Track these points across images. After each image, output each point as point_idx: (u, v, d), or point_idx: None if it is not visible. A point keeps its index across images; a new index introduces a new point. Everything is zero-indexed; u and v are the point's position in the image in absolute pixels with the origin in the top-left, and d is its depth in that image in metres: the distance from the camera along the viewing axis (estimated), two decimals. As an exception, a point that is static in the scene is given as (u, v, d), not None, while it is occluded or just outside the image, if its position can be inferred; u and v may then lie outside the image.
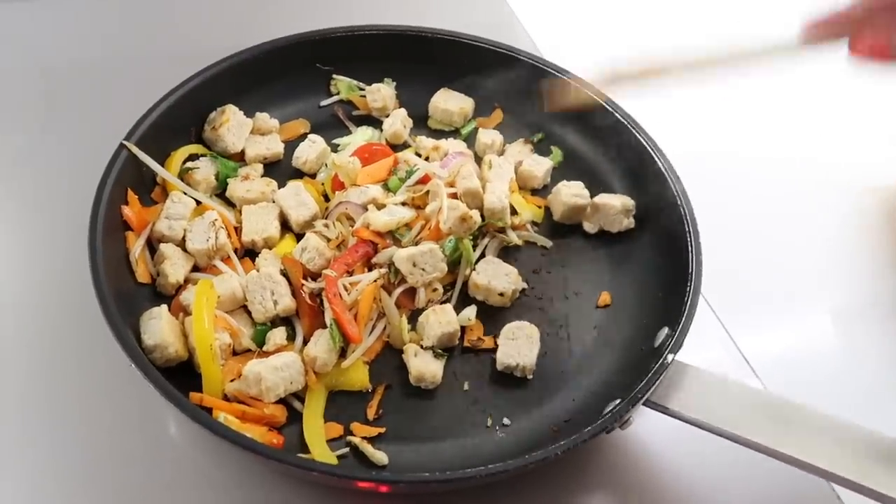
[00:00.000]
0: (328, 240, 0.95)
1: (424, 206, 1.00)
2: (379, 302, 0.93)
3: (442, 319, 0.92)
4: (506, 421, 0.88)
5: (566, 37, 1.44)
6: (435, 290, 0.96)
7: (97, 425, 0.85)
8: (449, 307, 0.94)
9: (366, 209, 0.97)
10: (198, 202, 0.98)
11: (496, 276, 0.97)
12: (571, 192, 1.07)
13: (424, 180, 1.01)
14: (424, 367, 0.89)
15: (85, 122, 1.14)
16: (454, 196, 1.00)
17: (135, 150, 0.95)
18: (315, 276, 0.92)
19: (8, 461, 0.82)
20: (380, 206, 0.98)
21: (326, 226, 0.96)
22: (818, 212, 1.21)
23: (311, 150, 1.08)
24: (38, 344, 0.91)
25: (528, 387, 0.92)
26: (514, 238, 1.04)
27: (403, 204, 0.99)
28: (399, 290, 0.94)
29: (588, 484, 0.86)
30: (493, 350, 0.93)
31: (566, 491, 0.85)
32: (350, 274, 0.92)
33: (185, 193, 0.98)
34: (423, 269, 0.93)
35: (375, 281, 0.92)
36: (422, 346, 0.91)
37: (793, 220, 1.19)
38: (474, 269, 0.97)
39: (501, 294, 0.96)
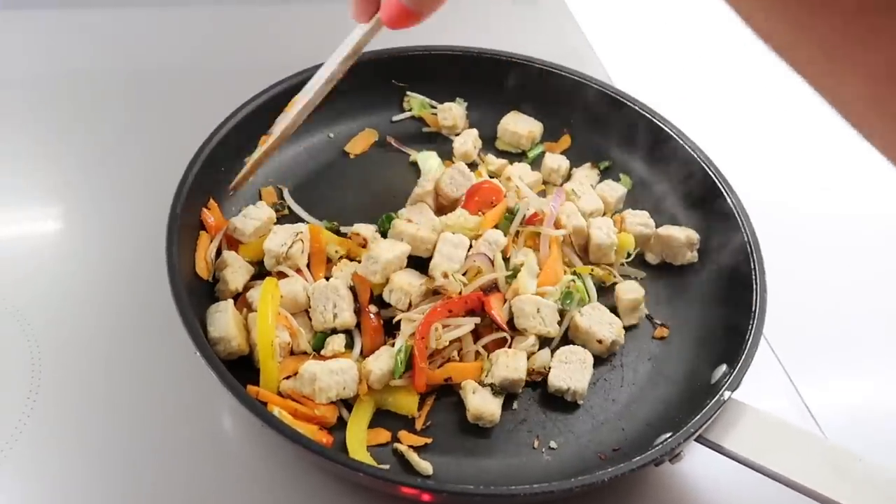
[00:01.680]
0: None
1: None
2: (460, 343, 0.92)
3: (511, 364, 0.88)
4: (553, 444, 0.88)
5: (638, 66, 1.45)
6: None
7: (154, 413, 0.88)
8: (522, 354, 0.91)
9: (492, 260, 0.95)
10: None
11: (599, 323, 0.95)
12: (637, 221, 1.06)
13: (532, 220, 1.01)
14: (483, 405, 0.86)
15: (169, 125, 1.20)
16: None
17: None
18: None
19: (63, 443, 0.85)
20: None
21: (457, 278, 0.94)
22: (892, 267, 1.17)
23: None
24: (108, 330, 0.95)
25: (577, 412, 0.91)
26: (615, 275, 1.02)
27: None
28: (491, 337, 0.92)
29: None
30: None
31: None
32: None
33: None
34: (541, 319, 0.93)
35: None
36: (481, 384, 0.89)
37: (865, 273, 1.15)
38: (579, 311, 0.96)
39: (600, 341, 0.93)
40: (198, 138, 1.01)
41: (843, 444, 0.80)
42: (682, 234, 1.04)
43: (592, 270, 1.01)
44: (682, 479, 0.87)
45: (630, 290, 0.99)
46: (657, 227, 1.06)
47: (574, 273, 1.00)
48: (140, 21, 1.38)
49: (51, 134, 1.19)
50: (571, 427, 0.90)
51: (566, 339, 0.96)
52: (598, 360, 0.95)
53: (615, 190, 1.11)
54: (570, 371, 0.91)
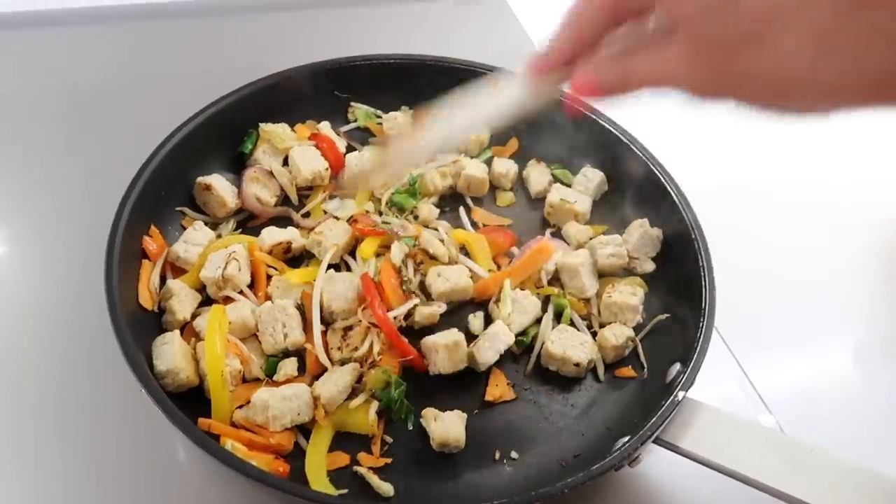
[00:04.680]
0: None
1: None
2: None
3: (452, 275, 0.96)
4: (513, 454, 0.88)
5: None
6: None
7: (106, 448, 0.86)
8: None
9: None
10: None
11: (573, 346, 0.94)
12: (608, 253, 1.03)
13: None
14: (447, 431, 0.85)
15: (108, 144, 1.16)
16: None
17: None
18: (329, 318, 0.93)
19: (15, 480, 0.82)
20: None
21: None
22: (835, 245, 1.20)
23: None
24: (50, 363, 0.92)
25: (537, 419, 0.91)
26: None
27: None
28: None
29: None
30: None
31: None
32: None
33: (206, 224, 1.01)
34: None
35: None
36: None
37: (809, 253, 1.18)
38: (550, 340, 0.94)
39: (577, 364, 0.93)
40: (137, 160, 0.97)
41: (796, 435, 0.81)
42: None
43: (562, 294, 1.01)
44: (642, 481, 0.88)
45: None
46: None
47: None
48: (74, 40, 1.33)
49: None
50: (532, 436, 0.89)
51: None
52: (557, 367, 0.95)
53: (584, 201, 1.11)
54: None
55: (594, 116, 1.13)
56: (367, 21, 1.49)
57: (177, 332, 0.88)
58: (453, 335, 0.90)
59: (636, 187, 1.11)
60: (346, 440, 0.86)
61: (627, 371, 0.95)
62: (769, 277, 1.13)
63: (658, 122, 1.22)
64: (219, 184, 1.04)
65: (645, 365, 0.96)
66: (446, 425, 0.85)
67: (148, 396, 0.76)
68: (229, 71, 1.21)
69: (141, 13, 1.42)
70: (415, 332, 0.95)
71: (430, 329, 0.95)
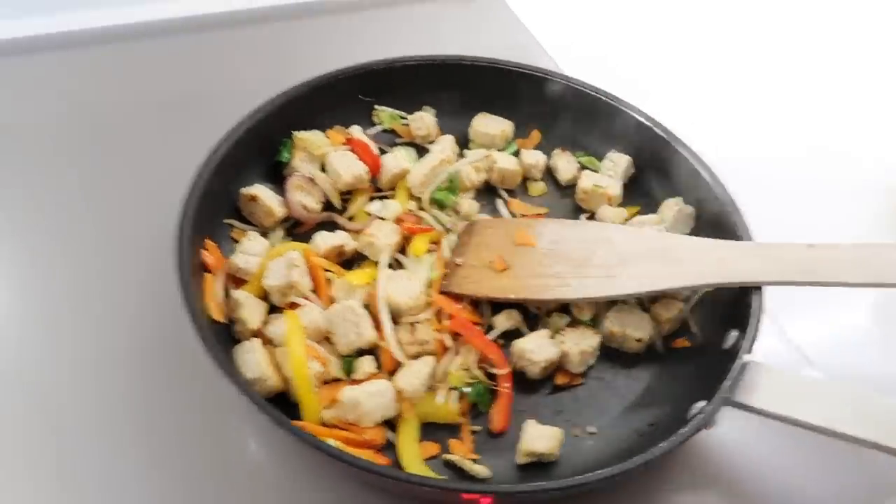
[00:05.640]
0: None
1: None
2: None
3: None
4: (590, 429, 0.92)
5: (584, 51, 1.50)
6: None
7: (193, 451, 0.87)
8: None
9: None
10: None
11: (631, 323, 0.98)
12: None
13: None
14: (536, 442, 0.87)
15: (147, 164, 1.16)
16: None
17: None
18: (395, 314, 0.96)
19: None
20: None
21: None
22: (859, 208, 1.27)
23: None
24: (134, 376, 0.93)
25: (606, 395, 0.95)
26: None
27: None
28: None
29: (679, 482, 0.90)
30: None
31: (659, 490, 0.89)
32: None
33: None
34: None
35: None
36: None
37: (833, 216, 1.23)
38: (606, 318, 0.99)
39: (639, 340, 0.97)
40: (179, 176, 0.97)
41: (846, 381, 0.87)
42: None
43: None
44: (714, 442, 0.93)
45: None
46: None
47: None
48: (94, 60, 1.32)
49: (36, 180, 1.13)
50: (605, 410, 0.94)
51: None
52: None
53: (615, 185, 1.15)
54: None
55: (611, 101, 1.17)
56: (366, 26, 1.50)
57: (256, 340, 0.89)
58: (549, 352, 0.94)
59: (662, 167, 1.16)
60: (429, 431, 0.89)
61: (682, 342, 1.00)
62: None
63: (671, 98, 1.28)
64: (264, 194, 1.05)
65: (698, 334, 1.01)
66: (537, 433, 0.88)
67: (251, 403, 0.77)
68: (243, 84, 1.23)
69: (139, 32, 1.41)
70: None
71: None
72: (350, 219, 1.10)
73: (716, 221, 1.06)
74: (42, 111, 1.23)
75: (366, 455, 0.81)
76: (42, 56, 1.31)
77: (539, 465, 0.88)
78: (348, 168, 1.09)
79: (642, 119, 1.16)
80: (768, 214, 1.18)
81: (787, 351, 1.06)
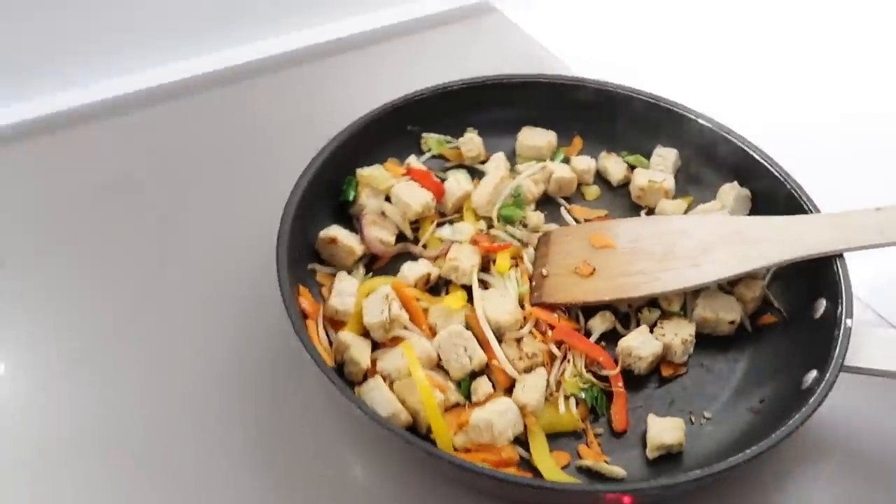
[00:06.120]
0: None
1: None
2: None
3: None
4: (706, 414, 0.95)
5: (594, 53, 1.54)
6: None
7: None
8: None
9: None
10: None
11: (721, 306, 1.01)
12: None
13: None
14: (664, 435, 0.89)
15: (216, 218, 1.19)
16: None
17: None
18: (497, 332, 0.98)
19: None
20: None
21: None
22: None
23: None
24: (261, 417, 0.94)
25: (711, 378, 0.98)
26: None
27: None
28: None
29: (796, 454, 0.93)
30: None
31: (779, 463, 0.92)
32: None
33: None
34: None
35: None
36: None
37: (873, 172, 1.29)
38: (696, 305, 1.02)
39: (732, 322, 1.00)
40: (253, 228, 1.01)
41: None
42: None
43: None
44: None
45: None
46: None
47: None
48: (129, 126, 1.33)
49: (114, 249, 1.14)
50: (714, 395, 0.97)
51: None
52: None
53: (667, 178, 1.18)
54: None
55: (646, 98, 1.21)
56: (379, 61, 1.53)
57: (379, 377, 0.90)
58: (654, 346, 0.96)
59: (709, 154, 1.20)
60: (553, 440, 0.91)
61: (769, 318, 1.04)
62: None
63: (691, 82, 1.33)
64: (342, 234, 1.06)
65: (781, 309, 1.04)
66: (662, 427, 0.90)
67: (397, 437, 0.78)
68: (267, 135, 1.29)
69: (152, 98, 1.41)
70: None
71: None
72: (424, 246, 1.11)
73: (775, 198, 1.10)
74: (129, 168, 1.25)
75: (513, 472, 0.83)
76: (128, 116, 1.35)
77: (667, 457, 0.90)
78: (415, 198, 1.11)
79: (680, 111, 1.20)
80: (816, 184, 1.23)
81: (863, 313, 1.09)
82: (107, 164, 1.26)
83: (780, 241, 0.98)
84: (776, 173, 1.10)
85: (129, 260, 1.11)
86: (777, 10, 1.67)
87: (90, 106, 1.34)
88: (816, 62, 1.54)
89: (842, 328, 0.90)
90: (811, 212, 1.04)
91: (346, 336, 0.95)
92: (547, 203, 1.21)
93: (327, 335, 0.97)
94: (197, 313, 1.06)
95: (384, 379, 0.92)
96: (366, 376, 0.93)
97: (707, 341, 1.02)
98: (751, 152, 1.14)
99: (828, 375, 0.86)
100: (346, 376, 0.94)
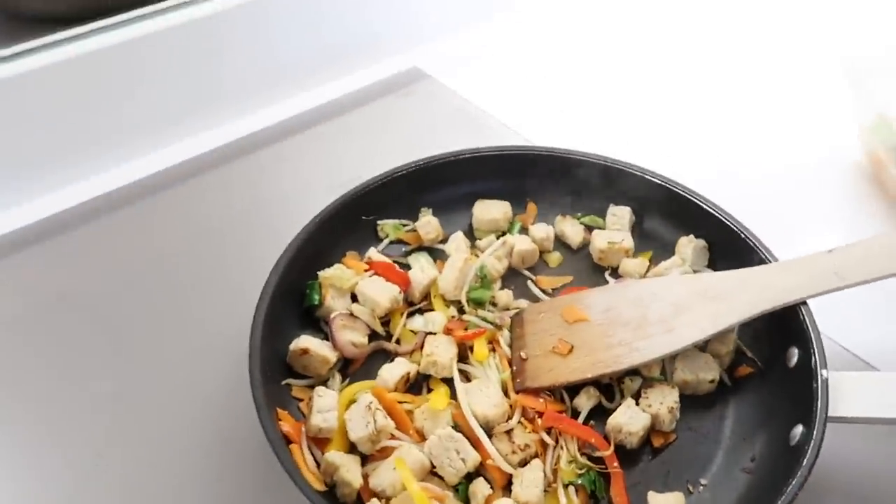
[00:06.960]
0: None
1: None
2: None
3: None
4: (703, 481, 0.95)
5: (537, 115, 1.57)
6: None
7: None
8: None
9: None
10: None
11: (701, 368, 1.02)
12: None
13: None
14: None
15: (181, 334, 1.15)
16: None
17: None
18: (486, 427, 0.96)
19: None
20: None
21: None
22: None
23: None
24: None
25: (702, 442, 0.99)
26: None
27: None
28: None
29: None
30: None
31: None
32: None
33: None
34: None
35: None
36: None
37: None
38: (675, 369, 1.02)
39: (712, 381, 1.01)
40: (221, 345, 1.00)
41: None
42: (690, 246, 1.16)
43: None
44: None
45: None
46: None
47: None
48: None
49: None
50: (707, 458, 0.97)
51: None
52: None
53: (625, 238, 1.20)
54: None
55: (595, 161, 1.23)
56: (312, 145, 1.51)
57: (376, 500, 0.87)
58: (642, 419, 0.96)
59: (661, 209, 1.23)
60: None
61: (745, 369, 1.05)
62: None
63: (630, 138, 1.36)
64: (314, 344, 1.03)
65: (756, 359, 1.06)
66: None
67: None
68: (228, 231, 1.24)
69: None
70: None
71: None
72: (397, 341, 1.09)
73: (731, 247, 1.12)
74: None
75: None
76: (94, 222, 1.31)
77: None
78: (382, 293, 1.09)
79: (629, 169, 1.22)
80: (767, 229, 1.26)
81: (839, 355, 1.11)
82: (57, 279, 1.21)
83: (746, 294, 1.00)
84: (727, 223, 1.13)
85: (84, 395, 1.06)
86: (714, 63, 1.72)
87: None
88: (757, 114, 1.59)
89: (819, 381, 0.92)
90: (766, 256, 1.07)
91: (335, 457, 0.91)
92: (513, 276, 1.21)
93: (312, 455, 0.94)
94: (171, 444, 1.01)
95: (379, 498, 0.89)
96: (359, 495, 0.90)
97: (690, 402, 1.03)
98: (701, 204, 1.17)
99: (815, 433, 0.87)
100: (339, 498, 0.90)
